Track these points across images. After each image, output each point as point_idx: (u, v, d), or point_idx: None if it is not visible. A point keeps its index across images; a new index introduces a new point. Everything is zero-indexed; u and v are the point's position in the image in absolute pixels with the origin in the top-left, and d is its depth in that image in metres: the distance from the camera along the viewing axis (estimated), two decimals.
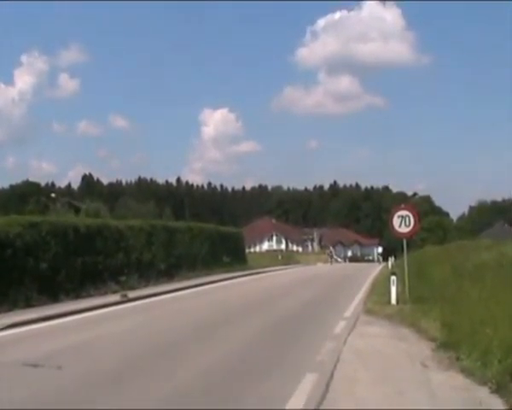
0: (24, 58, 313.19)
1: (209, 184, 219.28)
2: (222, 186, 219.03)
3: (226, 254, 46.27)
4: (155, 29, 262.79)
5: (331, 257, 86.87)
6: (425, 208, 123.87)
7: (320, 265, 67.92)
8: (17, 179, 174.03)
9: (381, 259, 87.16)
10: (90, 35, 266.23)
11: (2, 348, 13.96)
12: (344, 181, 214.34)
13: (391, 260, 48.46)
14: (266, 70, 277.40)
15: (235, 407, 8.70)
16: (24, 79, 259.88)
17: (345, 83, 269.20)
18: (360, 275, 43.02)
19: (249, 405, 8.78)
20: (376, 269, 49.08)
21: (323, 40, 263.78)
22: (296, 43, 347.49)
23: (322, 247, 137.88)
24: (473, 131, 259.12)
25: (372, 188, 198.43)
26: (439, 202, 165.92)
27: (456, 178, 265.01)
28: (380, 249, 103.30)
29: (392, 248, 65.56)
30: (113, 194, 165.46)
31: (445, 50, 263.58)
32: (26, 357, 12.26)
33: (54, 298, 22.34)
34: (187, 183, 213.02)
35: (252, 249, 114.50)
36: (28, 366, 11.49)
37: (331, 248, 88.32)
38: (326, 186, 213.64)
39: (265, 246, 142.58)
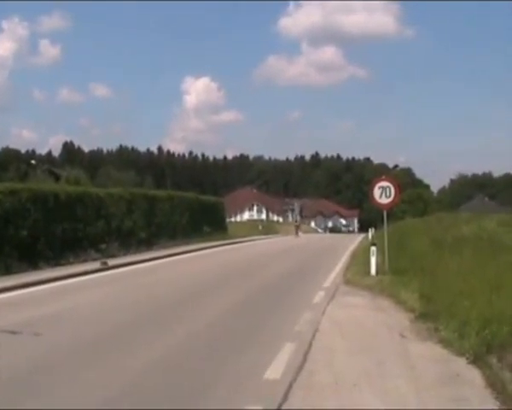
0: (4, 24, 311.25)
1: (190, 153, 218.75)
2: (203, 155, 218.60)
3: (207, 223, 46.31)
4: None
5: (297, 227, 73.59)
6: (406, 181, 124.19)
7: (301, 235, 68.01)
8: None
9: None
10: (72, 1, 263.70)
11: None
12: (325, 152, 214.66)
13: (371, 232, 48.58)
14: (249, 39, 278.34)
15: (213, 377, 8.71)
16: (4, 46, 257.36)
17: (328, 54, 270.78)
18: (340, 246, 43.11)
19: (228, 375, 8.79)
20: (356, 240, 49.21)
21: (307, 10, 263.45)
22: (279, 12, 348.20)
23: (303, 217, 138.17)
24: (455, 104, 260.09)
25: (353, 159, 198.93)
26: (420, 174, 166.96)
27: (437, 151, 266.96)
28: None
29: (373, 219, 65.73)
30: (93, 162, 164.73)
31: (429, 23, 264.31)
32: (4, 324, 12.21)
33: (33, 265, 22.36)
34: (168, 152, 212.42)
35: (233, 219, 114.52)
36: (6, 332, 11.46)
37: (298, 217, 79.57)
38: (307, 157, 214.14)
39: (246, 216, 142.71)
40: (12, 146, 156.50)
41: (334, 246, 44.48)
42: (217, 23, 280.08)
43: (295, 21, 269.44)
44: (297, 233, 68.91)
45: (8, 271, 20.90)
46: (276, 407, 7.32)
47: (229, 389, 8.13)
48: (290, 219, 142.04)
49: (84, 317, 13.83)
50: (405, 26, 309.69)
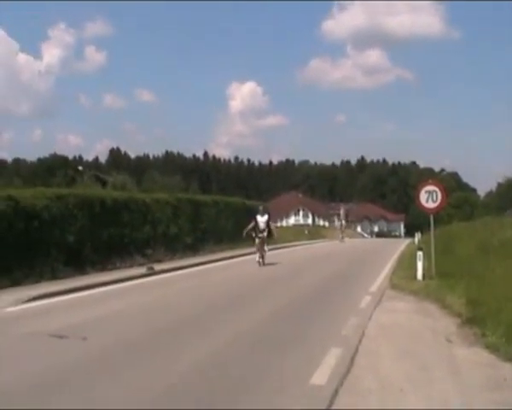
0: (51, 31, 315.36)
1: (236, 158, 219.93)
2: (249, 160, 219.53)
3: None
4: (182, 1, 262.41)
5: (342, 231, 67.74)
6: (452, 185, 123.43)
7: (346, 240, 67.62)
8: (44, 153, 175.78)
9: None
10: (116, 7, 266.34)
11: (29, 320, 14.08)
12: (371, 156, 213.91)
13: (417, 236, 48.19)
14: (293, 44, 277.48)
15: (257, 381, 8.70)
16: (51, 52, 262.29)
17: (373, 56, 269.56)
18: (386, 250, 42.87)
19: (272, 379, 8.77)
20: (402, 245, 48.85)
21: (351, 13, 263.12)
22: (322, 15, 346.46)
23: (349, 222, 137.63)
24: (502, 106, 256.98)
25: (399, 163, 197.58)
26: (466, 178, 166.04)
27: (484, 154, 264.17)
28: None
29: (419, 224, 65.14)
30: (139, 167, 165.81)
31: (476, 24, 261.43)
32: (51, 329, 12.36)
33: (80, 270, 22.52)
34: (214, 157, 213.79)
35: (278, 224, 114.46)
36: (54, 337, 11.58)
37: (343, 221, 73.31)
38: (353, 161, 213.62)
39: (292, 220, 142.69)
40: (59, 152, 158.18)
41: (381, 251, 44.25)
42: (260, 27, 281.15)
43: (339, 24, 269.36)
44: (342, 238, 64.81)
45: (54, 276, 21.08)
46: None
47: (274, 393, 8.11)
48: (336, 223, 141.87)
49: (130, 321, 13.91)
50: (452, 27, 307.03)
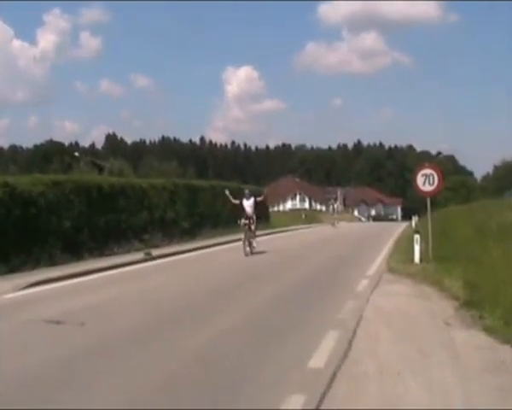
0: (46, 17, 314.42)
1: (232, 143, 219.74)
2: (245, 145, 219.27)
3: None
4: None
5: (334, 217, 65.06)
6: (449, 168, 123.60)
7: (343, 224, 67.51)
8: (41, 139, 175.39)
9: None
10: None
11: (26, 306, 14.11)
12: (367, 140, 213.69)
13: (414, 219, 48.24)
14: (288, 28, 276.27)
15: (256, 365, 8.72)
16: (46, 38, 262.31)
17: (369, 40, 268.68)
18: (383, 234, 42.91)
19: (271, 363, 8.79)
20: (399, 228, 48.87)
21: None
22: None
23: (346, 206, 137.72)
24: (499, 89, 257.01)
25: (396, 147, 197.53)
26: (463, 161, 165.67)
27: (481, 137, 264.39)
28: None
29: (416, 207, 65.18)
30: (136, 153, 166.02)
31: (473, 8, 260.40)
32: (49, 314, 12.39)
33: (77, 256, 22.55)
34: (210, 142, 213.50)
35: (275, 208, 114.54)
36: (51, 322, 11.61)
37: (335, 204, 67.13)
38: (350, 145, 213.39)
39: (289, 205, 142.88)
40: (55, 138, 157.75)
41: (378, 234, 44.27)
42: (255, 11, 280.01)
43: (335, 7, 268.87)
44: (334, 224, 61.25)
45: (52, 262, 21.11)
46: (319, 396, 7.32)
47: (273, 377, 8.12)
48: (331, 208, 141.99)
49: (129, 307, 13.94)
50: (448, 11, 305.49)
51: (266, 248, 27.84)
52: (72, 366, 8.80)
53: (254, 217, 27.01)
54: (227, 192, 28.43)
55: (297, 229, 53.87)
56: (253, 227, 26.74)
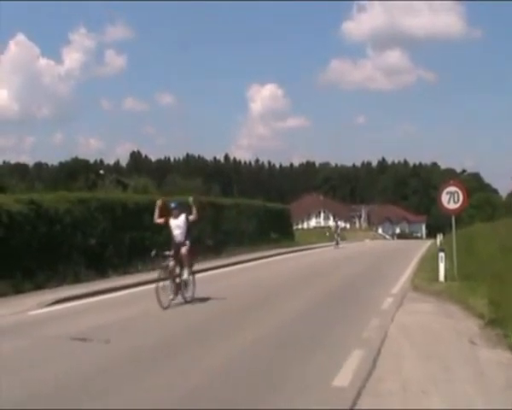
0: (71, 36, 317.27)
1: (256, 160, 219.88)
2: (269, 163, 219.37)
3: (273, 230, 46.34)
4: (202, 3, 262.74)
5: (337, 234, 53.52)
6: (473, 185, 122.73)
7: (368, 241, 67.40)
8: (66, 156, 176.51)
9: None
10: (136, 10, 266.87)
11: (51, 323, 14.18)
12: (392, 157, 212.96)
13: (439, 237, 48.02)
14: (313, 45, 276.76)
15: (281, 381, 8.72)
16: (72, 57, 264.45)
17: (394, 57, 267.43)
18: (408, 252, 42.72)
19: (297, 379, 8.80)
20: (424, 246, 48.66)
21: (370, 14, 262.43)
22: (342, 16, 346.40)
23: (370, 224, 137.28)
24: None
25: (420, 164, 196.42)
26: (488, 179, 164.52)
27: (506, 154, 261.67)
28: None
29: (440, 225, 64.88)
30: (160, 170, 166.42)
31: (497, 23, 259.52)
32: (75, 331, 12.45)
33: (102, 273, 22.67)
34: (234, 159, 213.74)
35: (299, 226, 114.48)
36: (77, 340, 11.66)
37: (337, 222, 59.40)
38: (374, 162, 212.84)
39: (313, 222, 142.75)
40: (80, 155, 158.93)
41: (402, 252, 44.09)
42: (279, 29, 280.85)
43: (358, 25, 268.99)
44: (337, 244, 51.87)
45: (76, 279, 21.24)
46: None
47: (296, 396, 8.11)
48: (357, 225, 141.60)
49: (153, 324, 14.00)
50: (472, 26, 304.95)
51: (293, 265, 27.86)
52: (96, 382, 8.84)
53: (188, 243, 17.29)
54: (159, 202, 18.44)
55: (321, 247, 53.55)
56: (185, 261, 17.25)
